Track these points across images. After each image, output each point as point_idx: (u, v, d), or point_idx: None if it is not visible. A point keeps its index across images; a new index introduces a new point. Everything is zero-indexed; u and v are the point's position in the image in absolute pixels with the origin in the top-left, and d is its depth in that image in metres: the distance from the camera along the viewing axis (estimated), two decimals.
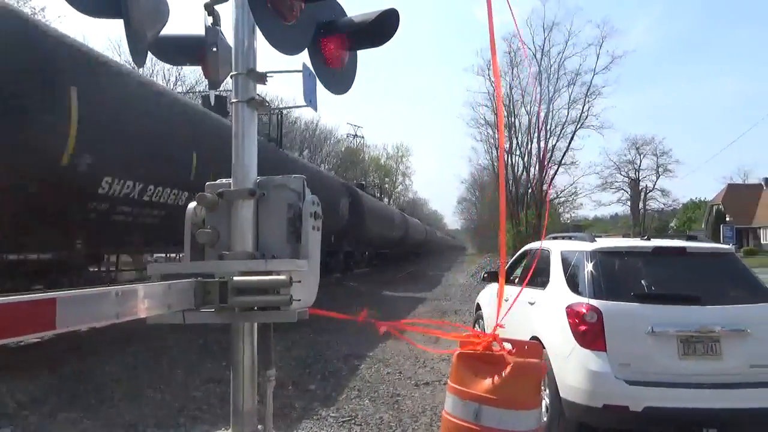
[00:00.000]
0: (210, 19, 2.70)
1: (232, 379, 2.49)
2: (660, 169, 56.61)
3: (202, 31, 2.75)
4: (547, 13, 63.56)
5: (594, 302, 4.48)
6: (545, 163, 42.43)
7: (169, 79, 36.57)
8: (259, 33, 2.49)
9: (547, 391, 4.69)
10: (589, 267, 4.81)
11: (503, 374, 3.24)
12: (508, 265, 7.53)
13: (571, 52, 43.72)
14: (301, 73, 2.62)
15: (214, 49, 2.65)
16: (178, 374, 6.59)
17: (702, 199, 70.68)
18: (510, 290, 5.92)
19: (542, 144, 43.25)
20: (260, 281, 2.20)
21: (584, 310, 4.46)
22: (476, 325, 7.89)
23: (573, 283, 4.95)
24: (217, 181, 2.57)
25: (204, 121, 9.02)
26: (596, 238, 5.45)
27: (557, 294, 5.03)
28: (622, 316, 4.41)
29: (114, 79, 6.75)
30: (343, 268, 20.67)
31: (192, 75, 36.16)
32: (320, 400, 5.87)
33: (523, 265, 7.02)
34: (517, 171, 44.05)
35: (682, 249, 5.03)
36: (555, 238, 6.30)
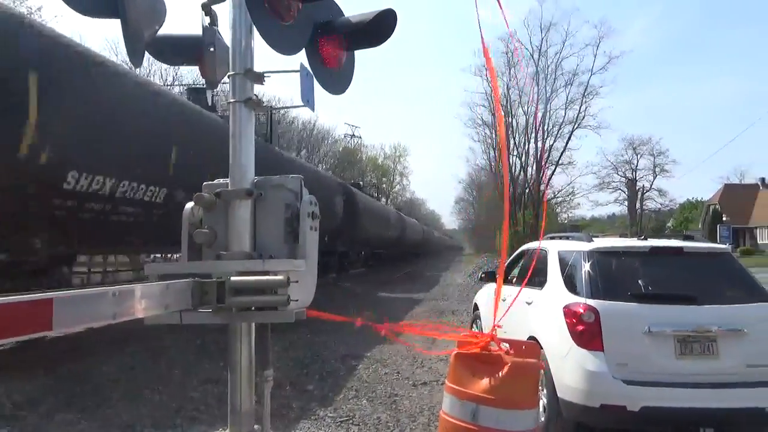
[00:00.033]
0: (207, 19, 2.70)
1: (229, 380, 2.48)
2: (657, 169, 56.87)
3: (199, 31, 2.75)
4: (544, 14, 63.45)
5: (591, 302, 4.48)
6: (542, 163, 42.52)
7: (166, 79, 36.54)
8: (256, 33, 2.49)
9: (545, 390, 4.70)
10: (586, 267, 4.82)
11: (501, 374, 3.24)
12: (506, 264, 7.54)
13: (569, 53, 43.80)
14: (298, 73, 2.62)
15: (212, 49, 2.65)
16: (176, 375, 6.58)
17: (699, 199, 70.99)
18: (508, 290, 5.93)
19: (539, 144, 43.35)
20: (258, 281, 2.20)
21: (581, 310, 4.46)
22: (474, 325, 7.89)
23: (570, 283, 4.95)
24: (215, 181, 2.57)
25: (183, 113, 8.44)
26: (593, 238, 5.46)
27: (554, 294, 5.04)
28: (619, 316, 4.42)
29: (81, 64, 6.11)
30: (338, 269, 20.26)
31: (189, 75, 36.11)
32: (318, 400, 5.86)
33: (520, 265, 7.02)
34: (515, 171, 44.11)
35: (679, 249, 5.04)
36: (552, 238, 6.31)
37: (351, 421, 5.23)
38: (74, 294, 1.54)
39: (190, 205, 2.50)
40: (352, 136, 73.15)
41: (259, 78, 2.53)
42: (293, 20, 2.52)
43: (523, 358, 3.45)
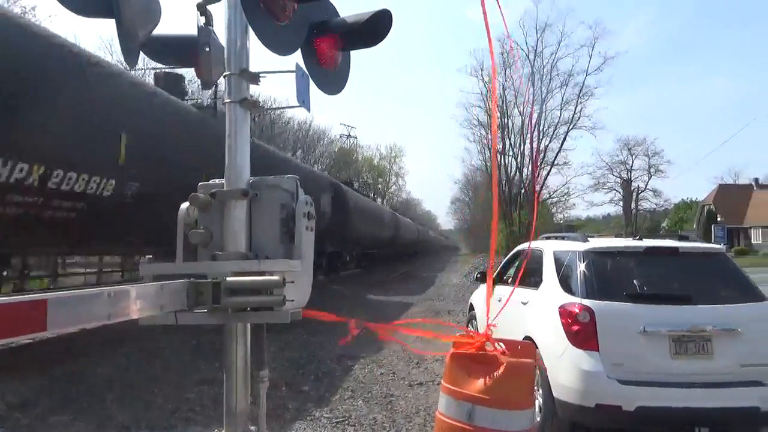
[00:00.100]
0: (202, 19, 2.69)
1: (225, 380, 2.48)
2: (652, 170, 57.02)
3: (194, 31, 2.74)
4: (540, 15, 63.63)
5: (586, 302, 4.49)
6: (536, 163, 42.61)
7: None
8: (251, 33, 2.49)
9: (540, 391, 4.70)
10: (581, 267, 4.83)
11: (496, 374, 3.25)
12: (501, 265, 7.55)
13: (564, 53, 43.97)
14: (294, 74, 2.62)
15: (207, 49, 2.64)
16: (171, 375, 6.56)
17: (693, 199, 71.18)
18: (503, 290, 5.94)
19: (534, 144, 43.41)
20: (253, 282, 2.20)
21: (577, 310, 4.48)
22: (470, 326, 7.90)
23: (566, 283, 4.97)
24: (210, 182, 2.56)
25: (136, 96, 7.39)
26: (589, 239, 5.47)
27: (550, 294, 5.05)
28: (614, 316, 4.43)
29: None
30: (327, 270, 19.26)
31: (186, 75, 35.92)
32: (314, 400, 5.86)
33: (516, 265, 7.03)
34: (510, 171, 44.20)
35: (674, 249, 5.06)
36: (548, 238, 6.32)
37: (347, 422, 5.23)
38: (69, 295, 1.53)
39: (185, 205, 2.50)
40: (348, 136, 73.16)
41: (255, 78, 2.53)
42: (289, 20, 2.52)
43: (518, 358, 3.46)
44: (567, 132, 43.62)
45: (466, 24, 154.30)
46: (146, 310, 1.89)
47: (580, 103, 43.29)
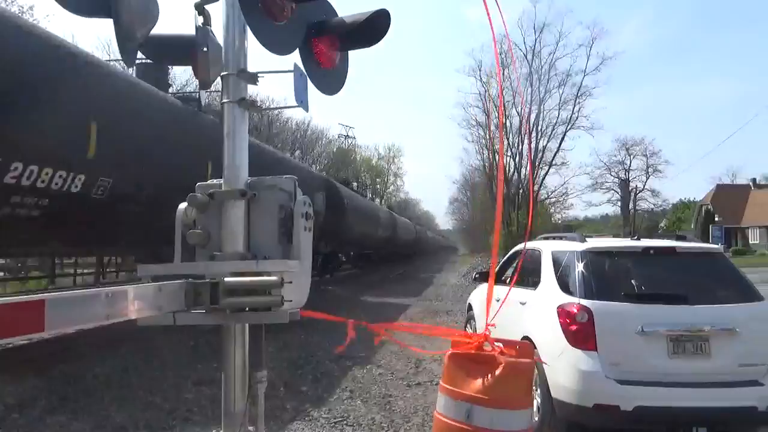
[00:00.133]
0: (200, 19, 2.68)
1: (223, 381, 2.47)
2: (650, 170, 56.99)
3: (192, 31, 2.74)
4: (538, 15, 63.63)
5: (585, 302, 4.50)
6: (531, 163, 42.62)
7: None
8: (249, 33, 2.49)
9: (539, 390, 4.71)
10: (579, 267, 4.84)
11: (495, 374, 3.25)
12: (499, 265, 7.55)
13: (562, 53, 43.94)
14: (292, 74, 2.61)
15: (205, 50, 2.63)
16: (169, 376, 6.55)
17: (691, 199, 71.37)
18: (502, 290, 5.94)
19: (529, 145, 43.44)
20: (252, 282, 2.20)
21: (575, 310, 4.48)
22: (468, 326, 7.90)
23: (564, 283, 4.97)
24: (208, 182, 2.56)
25: (110, 84, 6.67)
26: (587, 239, 5.48)
27: (548, 294, 5.05)
28: (612, 316, 4.44)
29: None
30: (321, 271, 18.76)
31: (183, 75, 35.94)
32: (312, 401, 5.86)
33: (514, 265, 7.04)
34: (509, 171, 44.19)
35: (672, 249, 5.07)
36: (546, 238, 6.33)
37: (345, 422, 5.23)
38: (66, 295, 1.53)
39: (183, 205, 2.49)
40: (346, 136, 73.19)
41: (253, 78, 2.52)
42: (287, 20, 2.52)
43: (516, 358, 3.46)
44: (565, 132, 43.68)
45: (464, 24, 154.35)
46: (144, 311, 1.89)
47: (578, 103, 43.35)
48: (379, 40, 2.79)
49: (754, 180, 66.19)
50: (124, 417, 5.11)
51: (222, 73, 2.52)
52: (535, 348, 4.45)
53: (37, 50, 5.57)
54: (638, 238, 5.55)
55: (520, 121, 42.71)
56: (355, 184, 35.93)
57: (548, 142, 43.86)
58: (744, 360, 4.32)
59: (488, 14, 2.96)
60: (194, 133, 8.41)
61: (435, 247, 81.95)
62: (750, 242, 57.80)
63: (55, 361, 7.05)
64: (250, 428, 2.50)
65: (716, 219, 58.43)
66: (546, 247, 5.70)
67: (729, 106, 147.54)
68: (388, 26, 2.74)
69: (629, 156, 56.74)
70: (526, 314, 5.29)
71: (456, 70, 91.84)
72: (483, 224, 57.42)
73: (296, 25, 2.60)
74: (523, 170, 44.24)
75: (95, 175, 6.21)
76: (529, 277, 5.61)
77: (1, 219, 5.53)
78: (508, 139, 43.40)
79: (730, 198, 60.96)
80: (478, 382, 3.26)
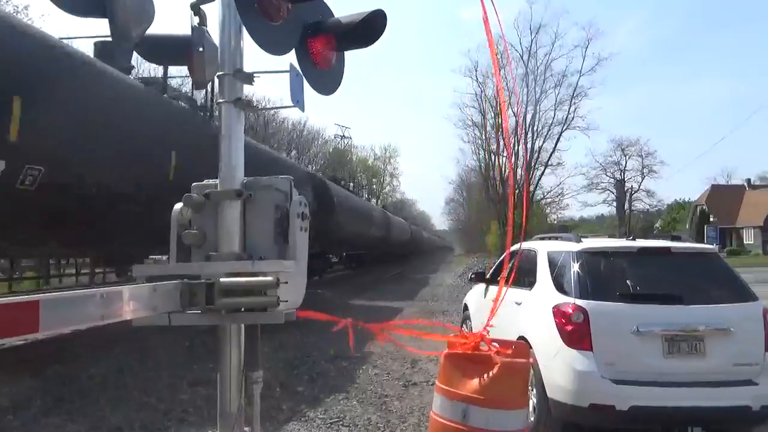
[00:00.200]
0: (196, 19, 2.68)
1: (218, 381, 2.47)
2: (645, 170, 57.19)
3: (188, 31, 2.73)
4: (534, 15, 63.82)
5: (580, 302, 4.51)
6: (526, 163, 42.74)
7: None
8: (245, 33, 2.48)
9: (534, 391, 4.72)
10: (575, 267, 4.85)
11: (491, 374, 3.25)
12: (495, 265, 7.57)
13: (558, 54, 44.09)
14: (288, 74, 2.62)
15: (201, 50, 2.63)
16: (164, 377, 6.53)
17: (686, 199, 71.61)
18: (497, 290, 5.95)
19: (525, 145, 43.53)
20: (247, 282, 2.19)
21: (570, 310, 4.49)
22: (464, 326, 7.91)
23: (559, 283, 4.98)
24: (204, 182, 2.55)
25: (45, 58, 5.55)
26: (582, 239, 5.50)
27: (544, 294, 5.06)
28: (608, 316, 4.45)
29: None
30: (310, 273, 17.39)
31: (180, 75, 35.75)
32: (308, 401, 5.85)
33: (510, 265, 7.04)
34: (505, 172, 44.29)
35: (667, 249, 5.08)
36: (542, 238, 6.35)
37: (341, 423, 5.22)
38: (61, 296, 1.52)
39: (179, 205, 2.49)
40: (342, 137, 73.20)
41: (249, 78, 2.52)
42: (283, 21, 2.52)
43: (512, 358, 3.47)
44: (561, 132, 43.82)
45: (460, 24, 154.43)
46: (139, 311, 1.88)
47: (574, 103, 43.52)
48: (375, 41, 2.79)
49: (748, 180, 66.48)
50: (119, 418, 5.10)
51: (218, 73, 2.52)
52: (531, 348, 4.46)
53: None
54: (633, 239, 5.57)
55: (516, 122, 42.83)
56: (351, 184, 35.75)
57: (544, 142, 44.02)
58: (738, 360, 4.34)
59: (485, 15, 2.96)
60: (156, 119, 7.43)
61: (431, 247, 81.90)
62: (744, 242, 58.02)
63: (50, 361, 7.02)
64: (246, 429, 2.50)
65: (711, 219, 58.66)
66: (542, 248, 5.71)
67: (724, 107, 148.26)
68: (384, 27, 2.74)
69: (625, 156, 56.97)
70: (522, 314, 5.30)
71: (452, 71, 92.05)
72: (479, 224, 57.52)
73: (292, 25, 2.60)
74: (518, 170, 44.35)
75: (19, 162, 5.24)
76: (524, 277, 5.62)
77: None
78: (504, 139, 43.49)
79: (724, 198, 61.18)
80: (474, 382, 3.27)
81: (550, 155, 44.16)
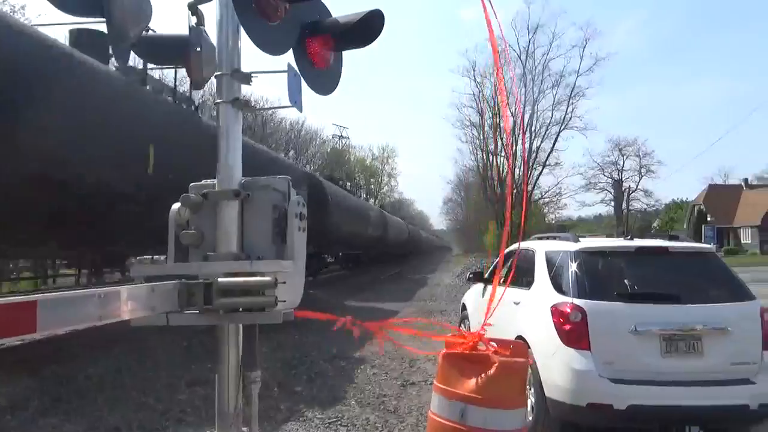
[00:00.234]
0: (194, 19, 2.68)
1: (217, 381, 2.47)
2: (643, 170, 57.29)
3: (185, 31, 2.73)
4: (532, 15, 63.83)
5: (578, 302, 4.52)
6: (525, 163, 42.77)
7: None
8: (243, 33, 2.48)
9: (532, 390, 4.72)
10: (573, 267, 4.86)
11: (489, 374, 3.25)
12: (493, 266, 7.57)
13: (556, 54, 44.24)
14: (286, 74, 2.61)
15: (198, 49, 2.63)
16: (162, 377, 6.52)
17: (684, 199, 71.73)
18: (497, 290, 5.95)
19: (523, 145, 43.61)
20: (245, 282, 2.19)
21: (569, 310, 4.50)
22: (462, 325, 7.92)
23: (557, 282, 4.99)
24: (202, 182, 2.55)
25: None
26: (580, 239, 5.50)
27: (542, 294, 5.07)
28: (605, 316, 4.46)
29: None
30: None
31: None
32: (306, 401, 5.85)
33: (508, 265, 7.05)
34: (503, 172, 44.34)
35: (665, 249, 5.09)
36: (540, 238, 6.35)
37: (339, 422, 5.22)
38: (59, 296, 1.52)
39: (176, 205, 2.48)
40: (340, 137, 73.14)
41: (246, 78, 2.52)
42: (280, 20, 2.52)
43: (510, 357, 3.47)
44: (558, 132, 43.92)
45: (458, 24, 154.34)
46: (137, 312, 1.88)
47: (572, 103, 43.64)
48: (373, 41, 2.79)
49: (746, 180, 66.59)
50: (117, 418, 5.09)
51: (216, 73, 2.51)
52: (529, 347, 4.47)
53: None
54: (631, 238, 5.58)
55: (514, 122, 42.87)
56: (348, 184, 35.60)
57: (542, 142, 44.10)
58: (736, 359, 4.35)
59: (486, 15, 2.97)
60: (132, 110, 6.85)
61: (429, 247, 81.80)
62: (742, 242, 58.14)
63: (48, 362, 7.01)
64: (244, 429, 2.50)
65: (708, 219, 58.78)
66: (539, 247, 5.72)
67: (721, 106, 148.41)
68: (382, 26, 2.74)
69: (622, 156, 57.08)
70: (520, 314, 5.31)
71: (450, 71, 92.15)
72: (477, 224, 57.58)
73: (290, 25, 2.60)
74: (516, 170, 44.40)
75: None
76: (523, 277, 5.63)
77: None
78: (502, 139, 43.55)
79: (722, 198, 61.29)
80: (472, 382, 3.27)
81: (548, 155, 44.35)
